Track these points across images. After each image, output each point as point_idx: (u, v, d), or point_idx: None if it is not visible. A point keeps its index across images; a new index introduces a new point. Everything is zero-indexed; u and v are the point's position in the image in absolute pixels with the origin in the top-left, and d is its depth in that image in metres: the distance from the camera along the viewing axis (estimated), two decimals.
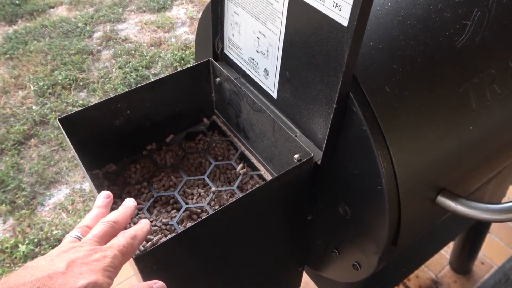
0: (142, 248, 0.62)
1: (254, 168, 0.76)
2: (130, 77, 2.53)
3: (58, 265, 0.39)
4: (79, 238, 0.46)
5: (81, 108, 0.66)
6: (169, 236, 0.53)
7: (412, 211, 0.60)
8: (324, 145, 0.58)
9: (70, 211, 1.90)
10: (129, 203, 0.53)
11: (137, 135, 0.75)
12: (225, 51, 0.75)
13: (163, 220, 0.67)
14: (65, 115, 0.64)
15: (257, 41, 0.65)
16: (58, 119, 0.63)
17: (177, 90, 0.75)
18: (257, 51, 0.66)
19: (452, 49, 0.60)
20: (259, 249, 0.72)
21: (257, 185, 0.74)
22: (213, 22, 0.72)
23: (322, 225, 0.72)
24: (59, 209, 1.92)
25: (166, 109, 0.77)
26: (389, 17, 0.59)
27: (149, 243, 0.63)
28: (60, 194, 1.99)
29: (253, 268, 0.76)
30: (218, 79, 0.75)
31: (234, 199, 0.72)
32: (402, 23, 0.59)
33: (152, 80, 0.71)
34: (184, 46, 2.81)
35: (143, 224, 0.51)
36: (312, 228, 0.74)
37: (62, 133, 0.63)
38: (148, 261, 0.50)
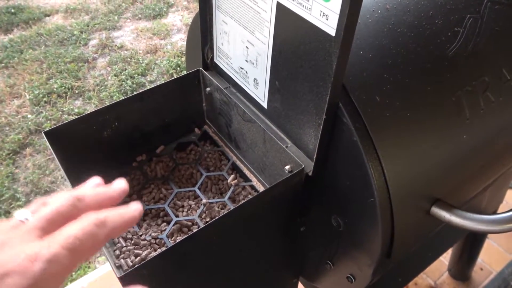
0: (131, 264, 0.61)
1: (246, 179, 0.75)
2: (126, 85, 2.52)
3: None
4: (26, 221, 0.32)
5: (67, 121, 0.65)
6: (157, 252, 0.51)
7: (405, 223, 0.59)
8: (315, 156, 0.57)
9: None
10: (116, 185, 0.37)
11: (126, 146, 0.74)
12: (215, 60, 0.74)
13: (153, 234, 0.65)
14: (51, 128, 0.63)
15: (246, 50, 0.64)
16: (44, 133, 0.62)
17: (167, 100, 0.74)
18: (246, 61, 0.65)
19: (444, 57, 0.59)
20: (251, 261, 0.70)
21: (249, 196, 0.73)
22: (202, 31, 0.71)
23: (315, 237, 0.71)
24: None
25: (156, 119, 0.75)
26: (379, 25, 0.58)
27: (138, 258, 0.62)
28: None
29: (246, 279, 0.75)
30: (208, 89, 0.74)
31: (224, 213, 0.70)
32: (393, 31, 0.58)
33: (141, 91, 0.70)
34: (180, 53, 2.80)
35: (125, 209, 0.34)
36: (305, 239, 0.73)
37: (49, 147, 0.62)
38: (134, 279, 0.49)
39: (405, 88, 0.55)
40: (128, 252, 0.62)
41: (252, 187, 0.74)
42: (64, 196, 0.34)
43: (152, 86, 0.70)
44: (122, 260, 0.61)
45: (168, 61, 2.70)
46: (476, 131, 0.62)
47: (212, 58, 0.74)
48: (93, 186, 0.38)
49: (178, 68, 2.66)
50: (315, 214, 0.67)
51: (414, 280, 1.52)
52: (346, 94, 0.52)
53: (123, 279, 0.47)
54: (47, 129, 0.63)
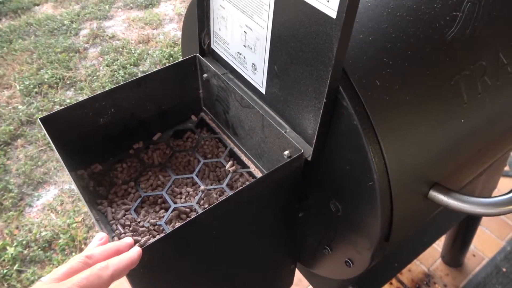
0: None
1: (244, 166, 0.75)
2: (118, 75, 2.50)
3: None
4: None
5: (63, 107, 0.64)
6: (156, 238, 0.51)
7: (404, 207, 0.59)
8: (314, 141, 0.57)
9: (59, 212, 1.87)
10: (125, 241, 0.49)
11: (123, 133, 0.73)
12: (212, 46, 0.73)
13: (151, 221, 0.65)
14: (46, 114, 0.62)
15: (244, 35, 0.63)
16: (40, 119, 0.61)
17: (164, 87, 0.73)
18: (244, 46, 0.64)
19: (443, 41, 0.59)
20: (249, 247, 0.70)
21: (247, 183, 0.73)
22: (199, 16, 0.70)
23: (314, 222, 0.71)
24: (48, 210, 1.89)
25: (152, 106, 0.75)
26: (378, 8, 0.57)
27: (137, 244, 0.61)
28: (48, 195, 1.95)
29: (244, 266, 0.75)
30: (205, 75, 0.74)
31: (223, 198, 0.70)
32: (392, 15, 0.57)
33: (137, 77, 0.69)
34: (172, 43, 2.78)
35: (124, 254, 0.46)
36: (303, 225, 0.73)
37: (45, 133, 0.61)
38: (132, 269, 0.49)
39: (405, 72, 0.55)
40: None
41: (250, 173, 0.74)
42: (78, 257, 0.44)
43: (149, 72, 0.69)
44: None
45: (160, 51, 2.68)
46: (473, 115, 0.62)
47: (209, 44, 0.74)
48: (100, 242, 0.49)
49: (171, 59, 2.63)
50: (314, 199, 0.67)
51: (408, 267, 1.54)
52: (346, 78, 0.52)
53: None
54: (42, 115, 0.62)
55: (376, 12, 0.57)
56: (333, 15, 0.46)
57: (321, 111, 0.53)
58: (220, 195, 0.71)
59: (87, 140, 0.69)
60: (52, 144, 0.60)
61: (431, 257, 1.57)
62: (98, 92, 0.66)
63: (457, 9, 0.61)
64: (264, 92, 0.65)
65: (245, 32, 0.63)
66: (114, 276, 0.43)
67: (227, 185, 0.71)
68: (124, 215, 0.66)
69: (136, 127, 0.74)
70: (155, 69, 0.69)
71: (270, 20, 0.57)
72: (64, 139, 0.64)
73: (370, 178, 0.53)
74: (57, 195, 1.94)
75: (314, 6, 0.48)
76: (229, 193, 0.70)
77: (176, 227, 0.52)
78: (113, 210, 0.66)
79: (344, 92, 0.51)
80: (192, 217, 0.52)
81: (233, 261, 0.70)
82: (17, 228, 1.81)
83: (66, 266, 0.43)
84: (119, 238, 0.63)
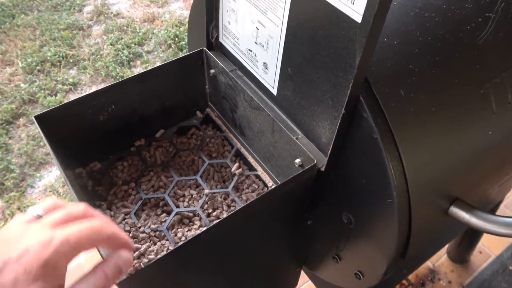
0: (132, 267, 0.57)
1: (250, 167, 0.71)
2: (122, 55, 2.43)
3: (12, 252, 0.34)
4: (39, 217, 0.39)
5: (60, 104, 0.60)
6: (158, 257, 0.47)
7: (423, 223, 0.55)
8: (329, 152, 0.52)
9: (61, 194, 1.85)
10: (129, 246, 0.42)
11: (124, 130, 0.69)
12: (221, 40, 0.68)
13: (152, 226, 0.62)
14: (42, 112, 0.58)
15: (255, 32, 0.58)
16: (35, 117, 0.57)
17: (168, 82, 0.69)
18: (255, 43, 0.60)
19: (473, 46, 0.54)
20: (256, 254, 0.67)
21: (254, 185, 0.69)
22: (208, 7, 0.65)
23: (323, 231, 0.67)
24: (50, 191, 1.86)
25: (155, 102, 0.70)
26: (404, 8, 0.52)
27: (136, 253, 0.58)
28: (50, 176, 1.93)
29: (248, 272, 0.72)
30: (212, 71, 0.69)
31: (227, 203, 0.67)
32: (420, 15, 0.52)
33: (138, 72, 0.64)
34: (178, 22, 2.70)
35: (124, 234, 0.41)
36: (312, 232, 0.70)
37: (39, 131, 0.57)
38: (136, 284, 0.45)
39: (432, 81, 0.50)
40: None
41: (257, 176, 0.70)
42: (78, 205, 0.40)
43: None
44: None
45: (166, 31, 2.60)
46: (502, 126, 0.57)
47: (217, 37, 0.68)
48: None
49: (177, 39, 2.56)
50: (324, 208, 0.63)
51: None
52: (367, 86, 0.48)
53: (122, 285, 0.44)
54: (35, 115, 0.58)
55: (402, 12, 0.52)
56: (358, 19, 0.41)
57: (339, 122, 0.48)
58: (225, 199, 0.68)
59: (86, 138, 0.65)
60: (46, 143, 0.56)
61: (436, 253, 1.54)
62: (97, 89, 0.62)
63: (489, 10, 0.56)
64: (275, 94, 0.60)
65: (257, 29, 0.58)
66: (111, 240, 0.39)
67: (233, 187, 0.67)
68: (124, 219, 0.63)
69: (137, 123, 0.70)
70: (159, 64, 0.64)
71: (285, 17, 0.52)
72: (61, 137, 0.60)
73: (390, 195, 0.49)
74: (59, 176, 1.91)
75: (336, 6, 0.43)
76: (234, 197, 0.66)
77: (178, 245, 0.48)
78: (112, 213, 0.63)
79: (364, 102, 0.47)
80: (194, 235, 0.48)
81: (237, 269, 0.66)
82: (18, 209, 1.79)
83: (65, 210, 0.39)
84: None
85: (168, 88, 0.69)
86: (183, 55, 0.68)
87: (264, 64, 0.60)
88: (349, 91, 0.45)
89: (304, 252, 0.76)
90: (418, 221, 0.53)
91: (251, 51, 0.61)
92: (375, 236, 0.56)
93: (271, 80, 0.60)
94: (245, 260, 0.64)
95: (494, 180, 0.66)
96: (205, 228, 0.61)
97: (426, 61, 0.50)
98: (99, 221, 0.39)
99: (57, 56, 2.42)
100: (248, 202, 0.50)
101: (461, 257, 1.51)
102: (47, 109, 0.59)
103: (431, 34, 0.52)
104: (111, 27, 2.63)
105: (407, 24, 0.51)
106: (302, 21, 0.50)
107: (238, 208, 0.50)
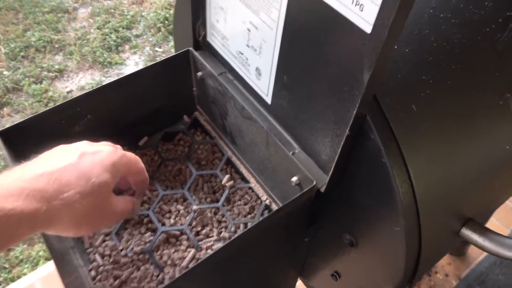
0: None
1: (243, 177, 0.65)
2: (109, 39, 2.34)
3: (71, 157, 0.41)
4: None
5: (29, 116, 0.53)
6: None
7: (433, 247, 0.50)
8: (330, 173, 0.47)
9: None
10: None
11: (103, 140, 0.62)
12: (208, 39, 0.62)
13: (135, 249, 0.56)
14: (6, 127, 0.51)
15: (247, 33, 0.52)
16: None
17: (152, 86, 0.62)
18: (247, 45, 0.53)
19: (493, 51, 0.48)
20: (251, 275, 0.62)
21: (246, 197, 0.64)
22: (193, 3, 0.58)
23: (321, 248, 0.62)
24: None
25: (138, 108, 0.64)
26: (418, 9, 0.46)
27: (117, 281, 0.53)
28: None
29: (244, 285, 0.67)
30: (199, 74, 0.62)
31: (217, 218, 0.61)
32: (434, 17, 0.46)
33: (119, 77, 0.57)
34: (168, 4, 2.59)
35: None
36: (309, 248, 0.65)
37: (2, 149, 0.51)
38: None
39: (447, 93, 0.44)
40: (106, 273, 0.53)
41: (249, 187, 0.64)
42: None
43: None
44: (98, 284, 0.52)
45: (155, 14, 2.50)
46: None
47: (205, 35, 0.62)
48: None
49: (166, 22, 2.46)
50: (324, 226, 0.58)
51: None
52: (375, 102, 0.41)
53: None
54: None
55: (415, 13, 0.45)
56: (368, 29, 0.35)
57: (342, 142, 0.42)
58: (215, 213, 0.62)
59: None
60: (9, 161, 0.50)
61: None
62: (73, 97, 0.55)
63: (510, 9, 0.50)
64: (269, 102, 0.54)
65: (249, 30, 0.51)
66: (139, 174, 0.48)
67: (223, 201, 0.62)
68: (104, 241, 0.57)
69: (118, 131, 0.64)
70: (141, 67, 0.58)
71: (281, 20, 0.45)
72: (29, 152, 0.54)
73: (397, 222, 0.44)
74: None
75: (341, 13, 0.37)
76: (225, 213, 0.61)
77: (169, 283, 0.42)
78: (90, 234, 0.57)
79: (372, 122, 0.41)
80: (184, 272, 0.42)
81: (232, 283, 0.61)
82: None
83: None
84: (97, 272, 0.54)
85: (152, 92, 0.63)
86: (168, 56, 0.61)
87: (257, 69, 0.53)
88: (355, 110, 0.38)
89: (300, 266, 0.71)
90: (428, 245, 0.48)
91: (242, 54, 0.55)
92: (380, 260, 0.51)
93: (264, 87, 0.53)
94: (238, 276, 0.59)
95: (505, 196, 0.61)
96: (192, 251, 0.56)
97: (441, 71, 0.44)
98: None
99: (41, 41, 2.32)
100: (241, 232, 0.45)
101: (458, 250, 1.48)
102: (14, 123, 0.52)
103: (446, 39, 0.45)
104: (97, 10, 2.52)
105: (421, 28, 0.45)
106: (300, 26, 0.43)
107: (232, 239, 0.44)
